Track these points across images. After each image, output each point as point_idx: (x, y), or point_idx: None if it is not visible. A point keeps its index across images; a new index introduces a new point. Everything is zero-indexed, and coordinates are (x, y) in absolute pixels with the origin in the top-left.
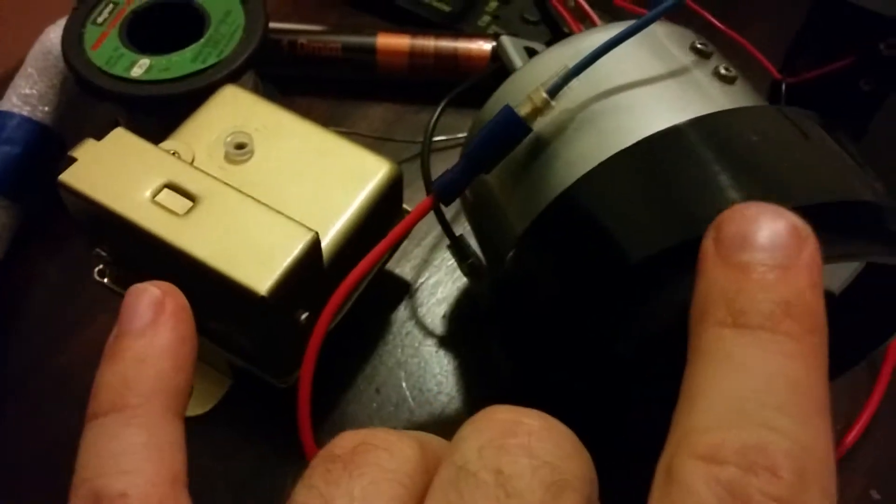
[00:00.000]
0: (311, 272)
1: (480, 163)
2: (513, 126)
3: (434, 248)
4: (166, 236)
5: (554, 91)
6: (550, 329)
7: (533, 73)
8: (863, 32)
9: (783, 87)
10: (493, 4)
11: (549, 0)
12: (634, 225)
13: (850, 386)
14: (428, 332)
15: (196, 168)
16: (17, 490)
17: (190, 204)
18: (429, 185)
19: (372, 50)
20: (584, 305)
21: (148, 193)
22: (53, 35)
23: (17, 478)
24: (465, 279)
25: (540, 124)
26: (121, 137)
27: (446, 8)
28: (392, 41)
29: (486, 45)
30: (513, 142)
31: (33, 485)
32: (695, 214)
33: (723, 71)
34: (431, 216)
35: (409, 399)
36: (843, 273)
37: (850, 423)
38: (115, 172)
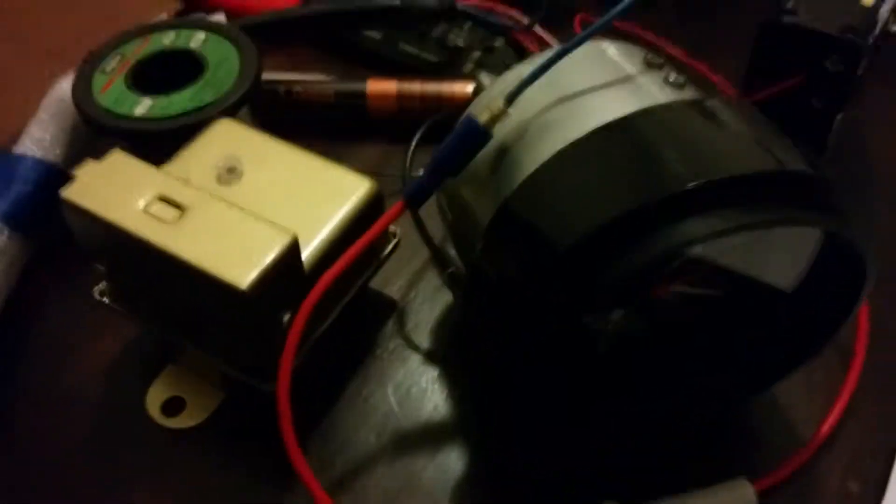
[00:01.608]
0: (292, 272)
1: (445, 167)
2: (473, 133)
3: (420, 271)
4: (157, 242)
5: (510, 99)
6: (515, 312)
7: (497, 91)
8: (809, 51)
9: None
10: (476, 54)
11: (527, 48)
12: (565, 214)
13: (825, 376)
14: (414, 346)
15: (185, 182)
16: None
17: (179, 213)
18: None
19: (362, 95)
20: (535, 290)
21: (141, 204)
22: (65, 84)
23: (27, 491)
24: (449, 298)
25: (500, 132)
26: (118, 157)
27: (433, 58)
28: (381, 86)
29: (468, 87)
30: (474, 148)
31: (43, 496)
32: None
33: (672, 79)
34: (419, 242)
35: (395, 407)
36: (794, 270)
37: (824, 414)
38: (112, 187)
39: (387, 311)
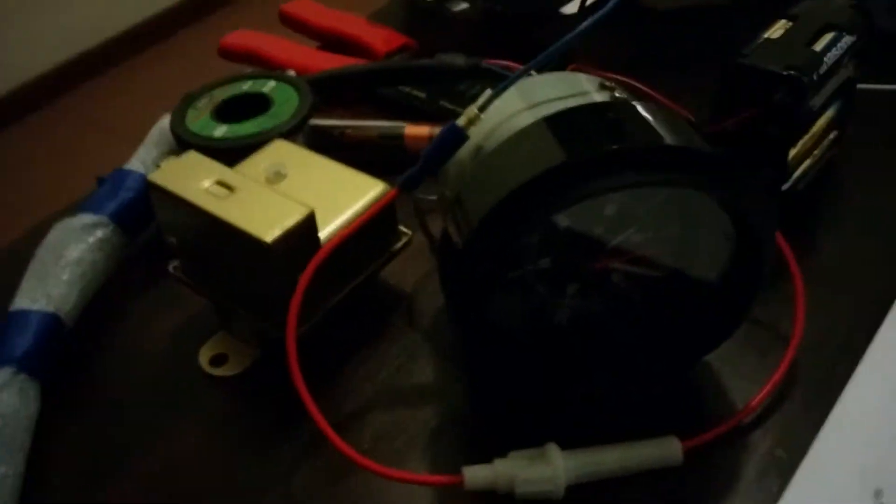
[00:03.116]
0: (309, 239)
1: (431, 161)
2: (452, 133)
3: (430, 271)
4: (209, 209)
5: (482, 107)
6: (469, 271)
7: (476, 106)
8: (760, 88)
9: None
10: None
11: None
12: (496, 183)
13: (766, 362)
14: (417, 327)
15: (239, 172)
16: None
17: (230, 192)
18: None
19: (401, 136)
20: (480, 243)
21: (203, 185)
22: (165, 120)
23: (105, 418)
24: None
25: (477, 135)
26: (192, 155)
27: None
28: (416, 129)
29: None
30: (454, 145)
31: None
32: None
33: (618, 93)
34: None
35: (393, 371)
36: (716, 266)
37: (760, 387)
38: (184, 174)
39: (398, 299)
